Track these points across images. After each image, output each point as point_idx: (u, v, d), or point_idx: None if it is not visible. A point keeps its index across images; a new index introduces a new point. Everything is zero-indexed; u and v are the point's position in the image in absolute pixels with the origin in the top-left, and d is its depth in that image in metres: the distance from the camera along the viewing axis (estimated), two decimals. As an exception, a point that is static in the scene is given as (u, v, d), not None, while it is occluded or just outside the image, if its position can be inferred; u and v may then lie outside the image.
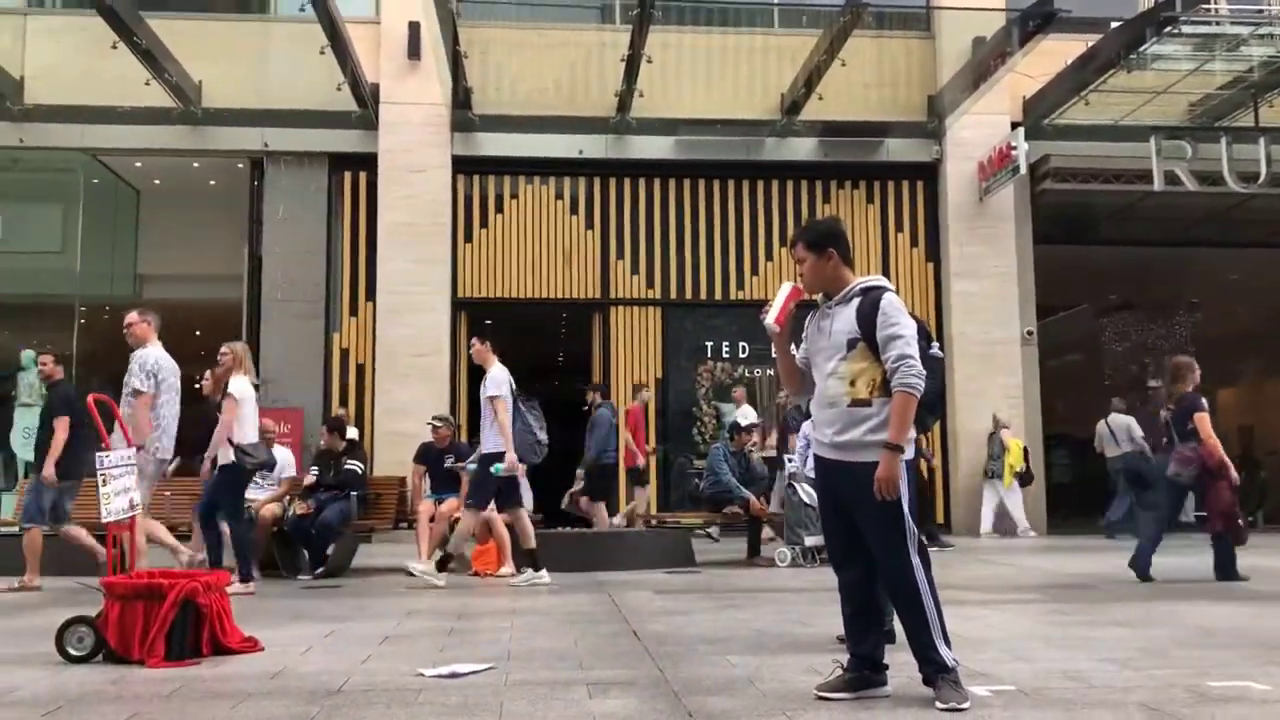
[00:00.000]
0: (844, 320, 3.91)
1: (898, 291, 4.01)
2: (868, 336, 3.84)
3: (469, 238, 14.16)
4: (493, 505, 9.45)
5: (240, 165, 14.31)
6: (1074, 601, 6.85)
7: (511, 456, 7.94)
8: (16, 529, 10.06)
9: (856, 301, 3.92)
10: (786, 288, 4.05)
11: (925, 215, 14.64)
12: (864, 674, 3.88)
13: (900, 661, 3.96)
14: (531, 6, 14.76)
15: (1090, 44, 12.73)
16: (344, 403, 13.49)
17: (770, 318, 4.02)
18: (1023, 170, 13.17)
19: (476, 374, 8.89)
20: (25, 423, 13.70)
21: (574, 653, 4.96)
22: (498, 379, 8.12)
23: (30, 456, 13.62)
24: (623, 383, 13.82)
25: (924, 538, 3.86)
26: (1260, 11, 13.51)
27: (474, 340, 8.52)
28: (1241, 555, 8.03)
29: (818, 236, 4.05)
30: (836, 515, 4.00)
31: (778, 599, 7.09)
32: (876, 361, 3.83)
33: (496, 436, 8.05)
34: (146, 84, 12.81)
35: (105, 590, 4.87)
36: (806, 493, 9.18)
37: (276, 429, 10.55)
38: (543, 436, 8.27)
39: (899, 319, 3.83)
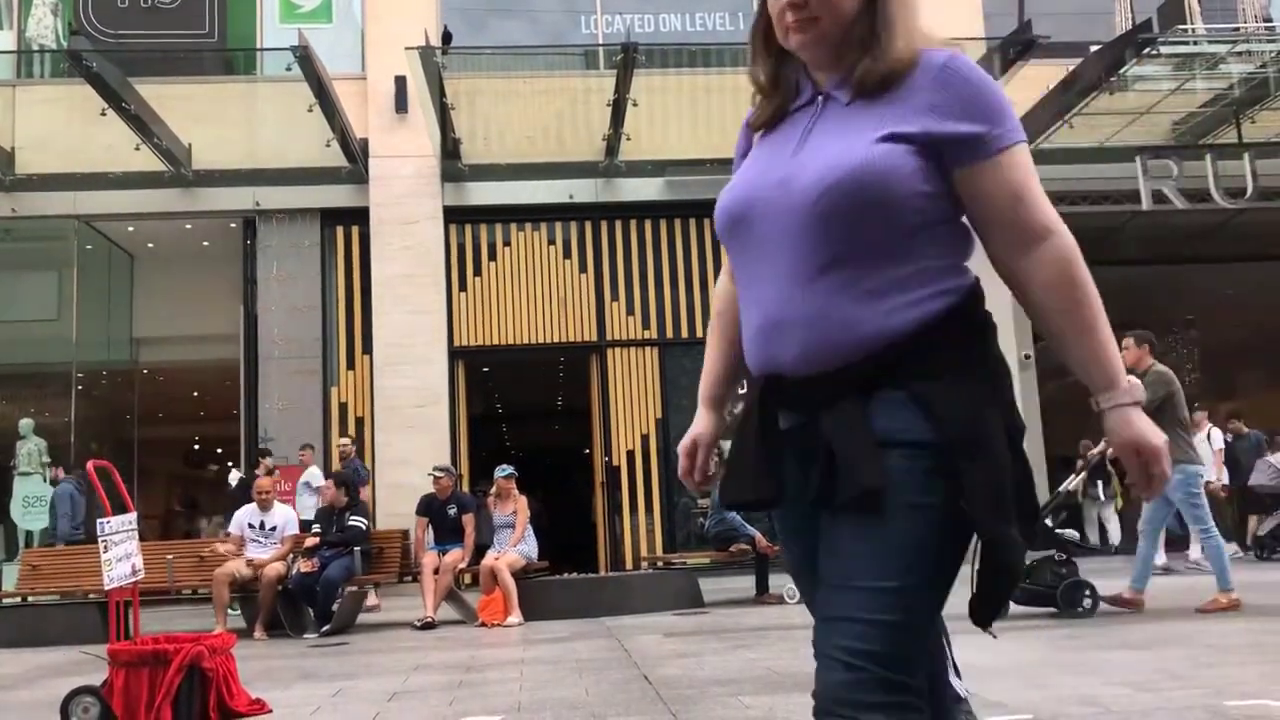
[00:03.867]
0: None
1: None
2: None
3: (463, 287, 14.17)
4: (492, 552, 9.43)
5: (233, 225, 14.35)
6: (1085, 625, 6.80)
7: None
8: (20, 599, 10.05)
9: None
10: None
11: (916, 244, 14.63)
12: (878, 710, 3.84)
13: (915, 695, 3.91)
14: (516, 56, 14.86)
15: (1071, 68, 12.85)
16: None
17: None
18: (1010, 195, 13.19)
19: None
20: (25, 492, 13.64)
21: (585, 701, 4.91)
22: None
23: (31, 526, 13.61)
24: (623, 425, 13.80)
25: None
26: (1237, 30, 13.64)
27: None
28: (1259, 570, 7.98)
29: None
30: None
31: (789, 636, 7.03)
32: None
33: None
34: (136, 149, 12.90)
35: (110, 658, 4.83)
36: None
37: (277, 487, 10.54)
38: None
39: None
